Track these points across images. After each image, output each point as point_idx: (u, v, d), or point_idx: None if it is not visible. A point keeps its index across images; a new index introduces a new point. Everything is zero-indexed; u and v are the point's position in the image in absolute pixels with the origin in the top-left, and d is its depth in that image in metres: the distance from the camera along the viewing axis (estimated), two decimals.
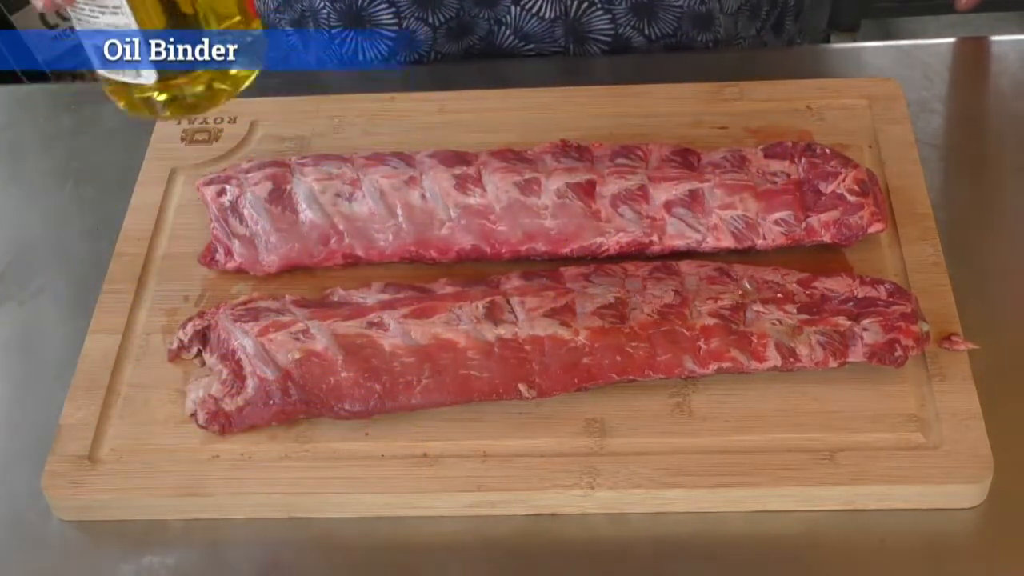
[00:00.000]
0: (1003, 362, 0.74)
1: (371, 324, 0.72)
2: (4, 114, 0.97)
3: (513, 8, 0.95)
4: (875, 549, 0.67)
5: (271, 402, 0.70)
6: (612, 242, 0.78)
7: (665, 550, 0.68)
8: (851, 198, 0.77)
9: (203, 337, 0.74)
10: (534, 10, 0.95)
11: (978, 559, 0.68)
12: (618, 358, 0.70)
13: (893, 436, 0.69)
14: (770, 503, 0.68)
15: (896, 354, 0.70)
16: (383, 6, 0.95)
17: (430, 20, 0.96)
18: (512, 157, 0.80)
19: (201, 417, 0.71)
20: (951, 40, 0.96)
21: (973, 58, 0.93)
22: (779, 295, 0.73)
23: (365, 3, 0.96)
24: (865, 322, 0.71)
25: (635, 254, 0.78)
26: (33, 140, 0.94)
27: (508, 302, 0.72)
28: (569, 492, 0.68)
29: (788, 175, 0.79)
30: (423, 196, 0.79)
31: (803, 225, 0.77)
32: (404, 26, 0.97)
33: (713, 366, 0.70)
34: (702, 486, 0.68)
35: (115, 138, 0.93)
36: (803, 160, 0.79)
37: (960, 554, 0.68)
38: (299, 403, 0.70)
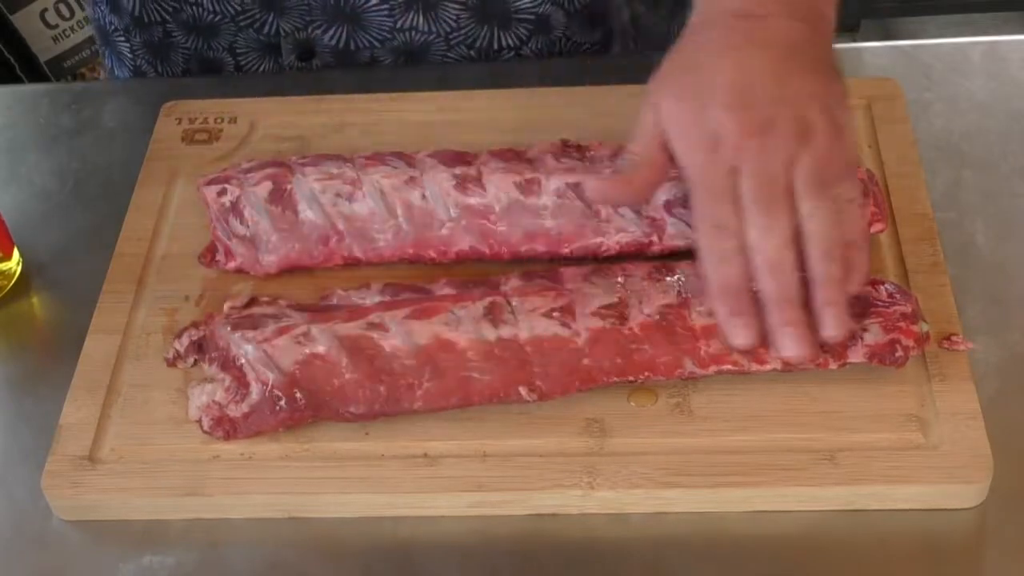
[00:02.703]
0: (1003, 362, 0.74)
1: (371, 325, 0.72)
2: (4, 114, 0.97)
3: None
4: (875, 549, 0.67)
5: (278, 408, 0.70)
6: (612, 242, 0.78)
7: (665, 550, 0.68)
8: None
9: (199, 348, 0.74)
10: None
11: (978, 559, 0.68)
12: (618, 360, 0.70)
13: (893, 436, 0.69)
14: (770, 503, 0.68)
15: (897, 354, 0.70)
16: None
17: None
18: (512, 157, 0.80)
19: (206, 423, 0.71)
20: (951, 40, 0.96)
21: (973, 58, 0.93)
22: None
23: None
24: (865, 323, 0.71)
25: (635, 254, 0.78)
26: (33, 140, 0.94)
27: (508, 303, 0.72)
28: (569, 492, 0.68)
29: None
30: (423, 196, 0.79)
31: None
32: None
33: (713, 368, 0.70)
34: (702, 486, 0.68)
35: (115, 138, 0.93)
36: None
37: (960, 554, 0.68)
38: (307, 408, 0.70)
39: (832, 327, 0.68)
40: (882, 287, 0.73)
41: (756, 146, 0.68)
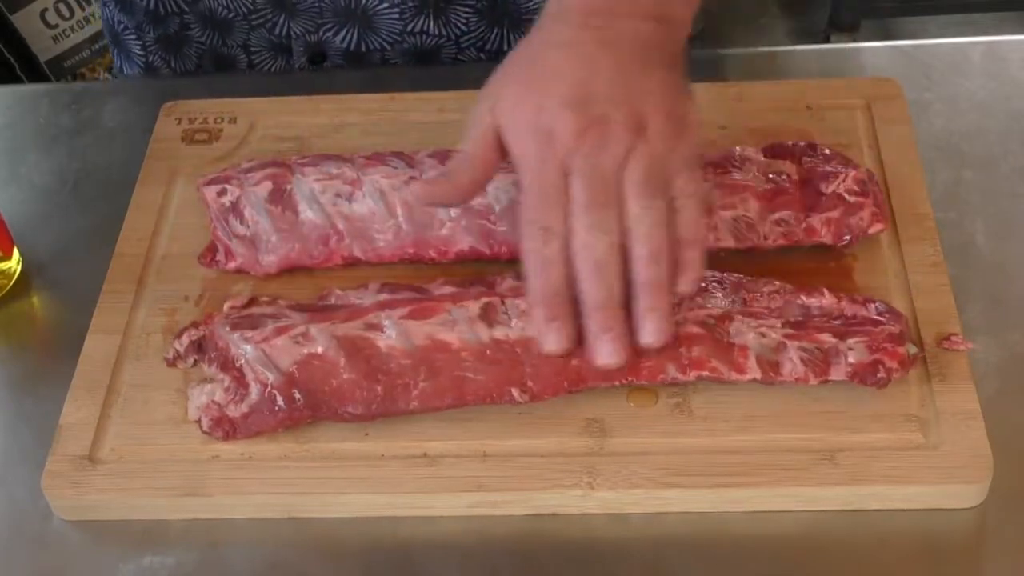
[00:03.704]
0: (1003, 362, 0.74)
1: (369, 325, 0.72)
2: (4, 114, 0.97)
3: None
4: (875, 549, 0.67)
5: (276, 408, 0.70)
6: None
7: (665, 550, 0.68)
8: (851, 198, 0.77)
9: (199, 348, 0.74)
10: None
11: (978, 559, 0.68)
12: None
13: (893, 436, 0.69)
14: (770, 503, 0.68)
15: (879, 375, 0.69)
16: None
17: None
18: None
19: (205, 423, 0.71)
20: (951, 40, 0.96)
21: (973, 58, 0.93)
22: (767, 308, 0.73)
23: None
24: (851, 341, 0.70)
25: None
26: (33, 140, 0.94)
27: (503, 303, 0.72)
28: (569, 492, 0.68)
29: (788, 175, 0.79)
30: None
31: (803, 225, 0.77)
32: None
33: (694, 374, 0.70)
34: (702, 486, 0.68)
35: (115, 138, 0.93)
36: (803, 160, 0.79)
37: (960, 554, 0.68)
38: (305, 408, 0.70)
39: (650, 334, 0.67)
40: (872, 305, 0.73)
41: (588, 144, 0.66)
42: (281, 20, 0.98)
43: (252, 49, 1.00)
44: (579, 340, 0.69)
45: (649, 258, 0.66)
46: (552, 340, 0.68)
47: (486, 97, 0.70)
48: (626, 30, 0.69)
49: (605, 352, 0.67)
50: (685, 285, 0.68)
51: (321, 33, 0.98)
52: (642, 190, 0.66)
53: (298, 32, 0.98)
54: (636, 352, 0.68)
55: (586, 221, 0.66)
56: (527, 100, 0.68)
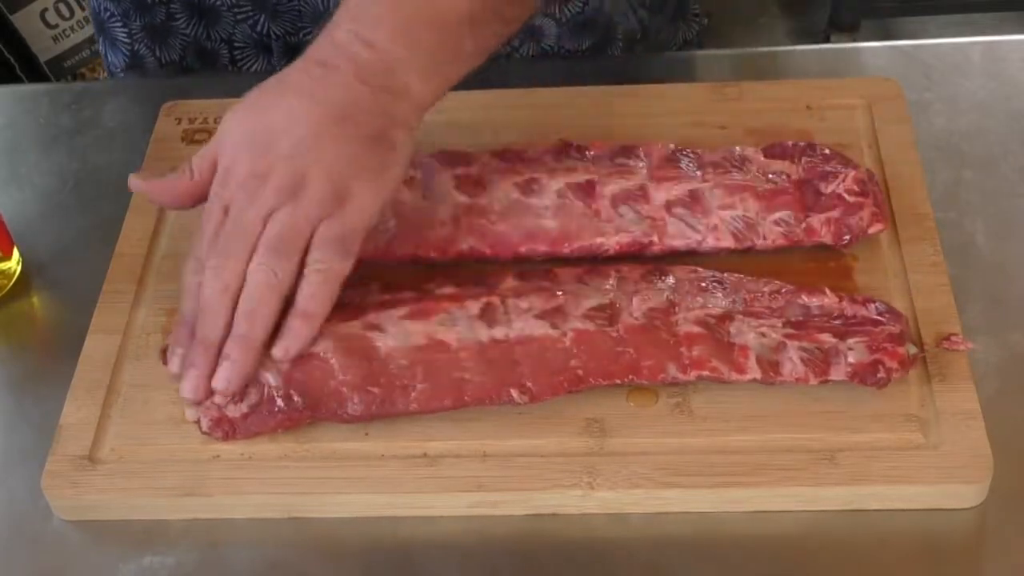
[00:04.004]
0: (1003, 362, 0.74)
1: (368, 325, 0.72)
2: (4, 114, 0.97)
3: None
4: (875, 549, 0.67)
5: (276, 409, 0.70)
6: (612, 242, 0.77)
7: (665, 550, 0.68)
8: (851, 198, 0.77)
9: None
10: None
11: (978, 559, 0.68)
12: (603, 362, 0.70)
13: (893, 436, 0.69)
14: (770, 503, 0.68)
15: (879, 375, 0.69)
16: None
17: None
18: (512, 157, 0.80)
19: (205, 424, 0.71)
20: (951, 40, 0.96)
21: (973, 58, 0.93)
22: (768, 308, 0.73)
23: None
24: (851, 341, 0.70)
25: (635, 254, 0.78)
26: (33, 140, 0.94)
27: (503, 303, 0.72)
28: (569, 492, 0.68)
29: (788, 175, 0.79)
30: (423, 196, 0.79)
31: (803, 225, 0.77)
32: None
33: (694, 374, 0.70)
34: (702, 486, 0.68)
35: (115, 138, 0.93)
36: (803, 160, 0.79)
37: (960, 554, 0.68)
38: (304, 410, 0.70)
39: (218, 379, 0.69)
40: (872, 305, 0.73)
41: (247, 191, 0.69)
42: (262, 19, 0.98)
43: (236, 44, 1.00)
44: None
45: (244, 315, 0.69)
46: (172, 363, 0.71)
47: (225, 117, 0.73)
48: (339, 88, 0.71)
49: (185, 386, 0.70)
50: (278, 351, 0.70)
51: (300, 35, 0.98)
52: (267, 250, 0.69)
53: (278, 33, 0.98)
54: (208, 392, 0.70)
55: (212, 263, 0.70)
56: (232, 133, 0.72)
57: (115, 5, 1.02)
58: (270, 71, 0.99)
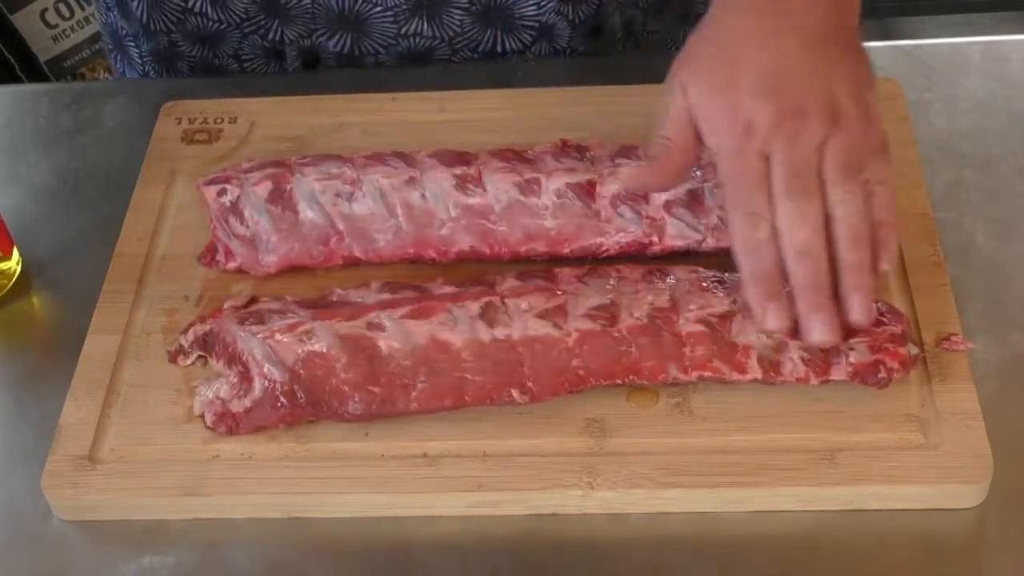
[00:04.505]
0: (1003, 362, 0.74)
1: (370, 325, 0.72)
2: (4, 114, 0.97)
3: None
4: (875, 549, 0.67)
5: (279, 404, 0.70)
6: (612, 242, 0.78)
7: (665, 550, 0.68)
8: None
9: (204, 343, 0.74)
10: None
11: (978, 559, 0.68)
12: (605, 362, 0.70)
13: (893, 436, 0.69)
14: (770, 503, 0.68)
15: (880, 375, 0.70)
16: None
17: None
18: (512, 157, 0.80)
19: (209, 418, 0.71)
20: (951, 40, 0.96)
21: (973, 58, 0.93)
22: None
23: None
24: (852, 341, 0.70)
25: (635, 254, 0.78)
26: (33, 140, 0.94)
27: (503, 303, 0.72)
28: (569, 492, 0.68)
29: None
30: (423, 196, 0.79)
31: None
32: None
33: (695, 374, 0.70)
34: (702, 486, 0.68)
35: (115, 138, 0.93)
36: None
37: (960, 554, 0.68)
38: (307, 406, 0.70)
39: (858, 312, 0.69)
40: (873, 305, 0.72)
41: (787, 133, 0.68)
42: (274, 26, 0.98)
43: (244, 57, 1.00)
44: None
45: (852, 241, 0.68)
46: (772, 319, 0.69)
47: (675, 86, 0.71)
48: (805, 15, 0.70)
49: (818, 331, 0.69)
50: (887, 262, 0.70)
51: (314, 38, 0.98)
52: (840, 177, 0.68)
53: (291, 37, 0.98)
54: (843, 329, 0.69)
55: (790, 208, 0.68)
56: (719, 93, 0.70)
57: (128, 25, 1.02)
58: (283, 73, 0.99)
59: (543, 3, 0.95)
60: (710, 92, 0.70)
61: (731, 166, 0.70)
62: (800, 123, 0.68)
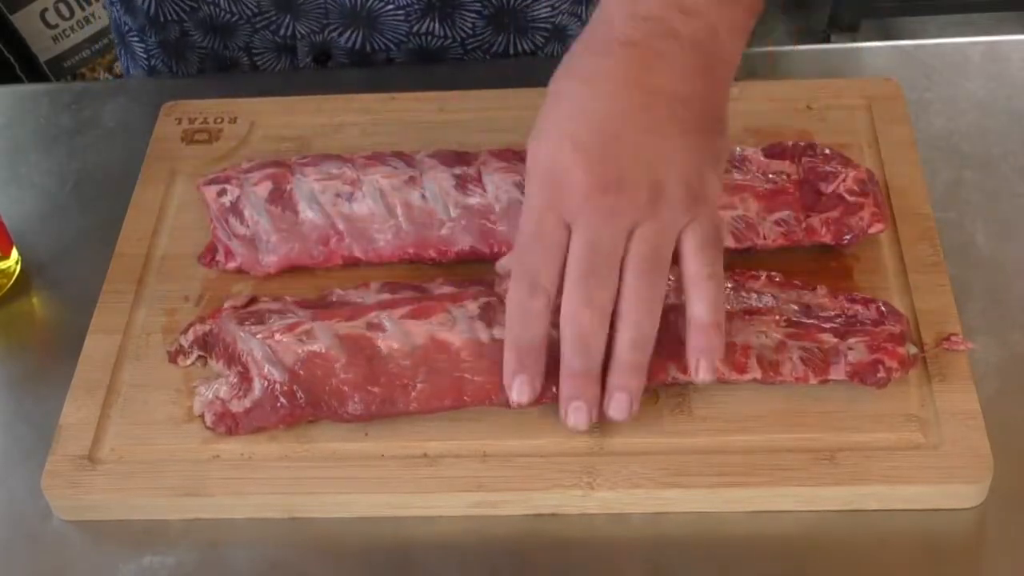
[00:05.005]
0: (1003, 362, 0.74)
1: (370, 325, 0.72)
2: (4, 114, 0.97)
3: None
4: (875, 549, 0.67)
5: (279, 404, 0.70)
6: None
7: (665, 550, 0.68)
8: (851, 198, 0.77)
9: (204, 343, 0.74)
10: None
11: (978, 559, 0.68)
12: (606, 362, 0.70)
13: (893, 436, 0.69)
14: (770, 503, 0.68)
15: (879, 375, 0.69)
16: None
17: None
18: (512, 157, 0.80)
19: (208, 418, 0.71)
20: (951, 40, 0.96)
21: (973, 58, 0.93)
22: (768, 307, 0.73)
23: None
24: (851, 340, 0.70)
25: None
26: (33, 140, 0.94)
27: (503, 303, 0.72)
28: (569, 492, 0.68)
29: (788, 175, 0.79)
30: (423, 196, 0.79)
31: (803, 225, 0.77)
32: None
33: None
34: (702, 486, 0.68)
35: (115, 138, 0.93)
36: (803, 160, 0.79)
37: (960, 554, 0.68)
38: (307, 406, 0.70)
39: (616, 411, 0.66)
40: (872, 305, 0.73)
41: (597, 208, 0.63)
42: (286, 21, 0.98)
43: (255, 51, 1.00)
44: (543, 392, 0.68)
45: (632, 344, 0.65)
46: (517, 392, 0.67)
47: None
48: (670, 75, 0.64)
49: (572, 418, 0.67)
50: (705, 372, 0.66)
51: (326, 33, 0.98)
52: (640, 271, 0.63)
53: (303, 32, 0.98)
54: (601, 419, 0.68)
55: (579, 292, 0.63)
56: (547, 140, 0.65)
57: (132, 20, 1.02)
58: (291, 70, 0.99)
59: (558, 4, 0.95)
60: (542, 133, 0.65)
61: (530, 225, 0.65)
62: (614, 199, 0.62)
